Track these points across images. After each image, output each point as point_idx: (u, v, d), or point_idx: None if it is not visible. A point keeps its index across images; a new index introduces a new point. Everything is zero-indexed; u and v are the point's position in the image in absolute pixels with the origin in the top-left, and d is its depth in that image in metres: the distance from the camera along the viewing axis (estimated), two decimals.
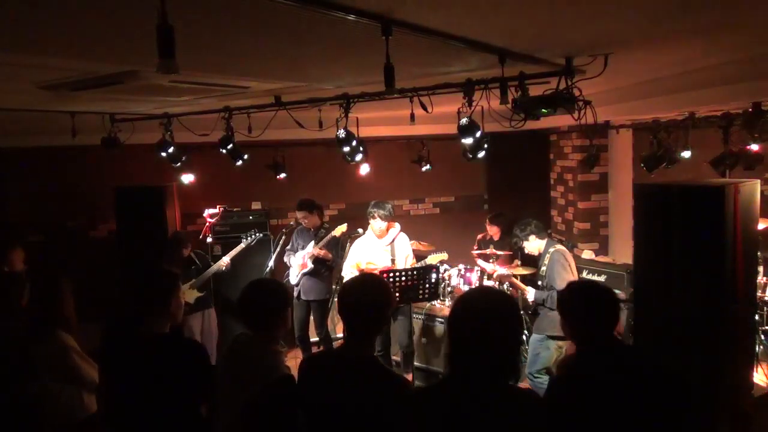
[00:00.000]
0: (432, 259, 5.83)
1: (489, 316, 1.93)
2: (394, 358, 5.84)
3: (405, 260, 5.47)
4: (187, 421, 2.50)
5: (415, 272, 5.02)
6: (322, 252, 5.71)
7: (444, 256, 5.98)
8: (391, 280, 4.89)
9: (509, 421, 1.90)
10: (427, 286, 5.06)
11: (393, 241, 5.48)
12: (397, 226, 5.57)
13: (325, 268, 5.87)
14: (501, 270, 5.94)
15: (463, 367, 1.97)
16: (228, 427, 2.59)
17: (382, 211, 5.35)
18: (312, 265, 5.77)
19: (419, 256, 6.15)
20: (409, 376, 5.36)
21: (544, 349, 4.78)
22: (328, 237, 5.72)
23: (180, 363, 2.56)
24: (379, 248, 5.45)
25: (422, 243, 6.46)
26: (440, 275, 6.14)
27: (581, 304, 2.44)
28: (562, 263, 4.78)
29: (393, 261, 5.43)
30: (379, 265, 5.37)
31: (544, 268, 4.91)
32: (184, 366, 2.56)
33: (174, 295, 2.77)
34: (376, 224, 5.38)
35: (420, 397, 2.09)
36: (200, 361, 2.60)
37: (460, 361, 1.97)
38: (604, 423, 2.22)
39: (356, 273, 5.34)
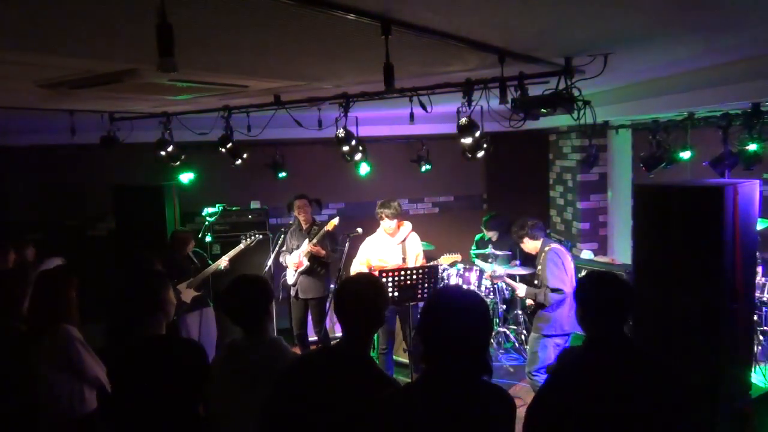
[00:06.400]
0: (445, 260, 5.80)
1: (459, 314, 1.95)
2: (400, 359, 5.81)
3: (416, 259, 5.47)
4: (184, 421, 2.50)
5: (413, 272, 5.01)
6: (316, 248, 5.72)
7: (457, 257, 5.93)
8: (390, 279, 4.88)
9: (483, 416, 1.93)
10: (426, 285, 5.05)
11: (405, 239, 5.47)
12: (407, 224, 5.58)
13: (321, 266, 5.88)
14: (498, 269, 5.93)
15: (437, 366, 1.99)
16: (230, 428, 2.59)
17: (389, 210, 5.37)
18: (308, 263, 5.78)
19: (429, 257, 6.12)
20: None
21: (542, 347, 4.81)
22: (322, 232, 5.74)
23: (178, 363, 2.57)
24: (390, 246, 5.45)
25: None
26: (439, 275, 6.12)
27: (594, 291, 2.44)
28: (555, 261, 4.80)
29: (404, 260, 5.42)
30: (390, 263, 5.35)
31: (540, 267, 4.93)
32: (183, 366, 2.57)
33: (165, 295, 2.83)
34: (386, 224, 5.38)
35: (398, 397, 2.10)
36: (198, 360, 2.61)
37: (434, 359, 2.00)
38: (600, 416, 2.23)
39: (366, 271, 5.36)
